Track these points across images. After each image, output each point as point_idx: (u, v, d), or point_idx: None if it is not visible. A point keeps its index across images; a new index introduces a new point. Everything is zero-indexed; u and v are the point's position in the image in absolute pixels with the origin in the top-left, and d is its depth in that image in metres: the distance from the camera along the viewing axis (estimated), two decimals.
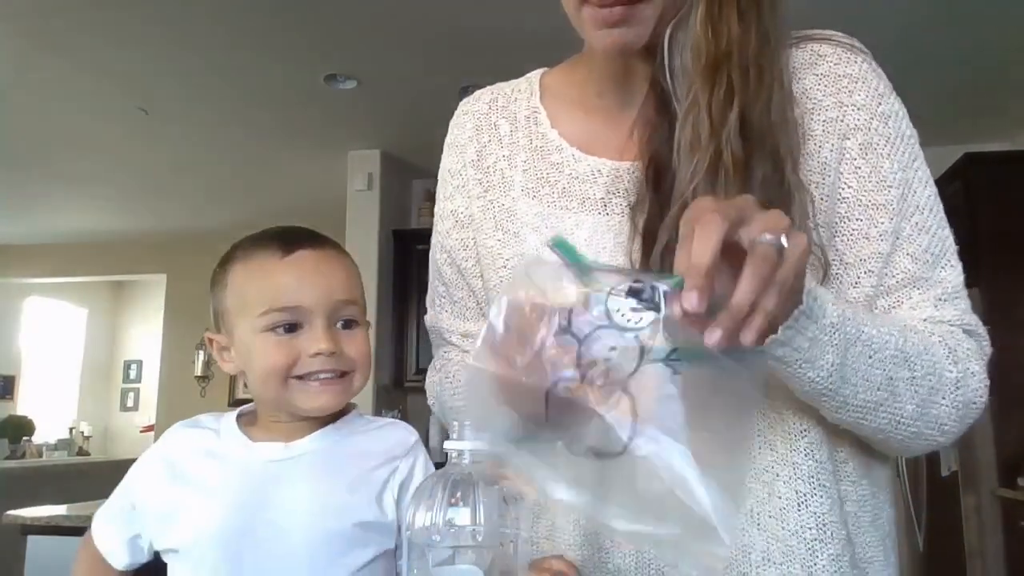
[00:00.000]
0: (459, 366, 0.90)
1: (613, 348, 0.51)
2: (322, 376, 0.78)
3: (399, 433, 0.82)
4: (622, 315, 0.51)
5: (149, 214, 6.09)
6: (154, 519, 0.78)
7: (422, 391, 0.99)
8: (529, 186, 0.84)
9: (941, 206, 0.77)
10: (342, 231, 4.59)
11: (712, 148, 0.68)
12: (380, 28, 3.25)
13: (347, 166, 4.70)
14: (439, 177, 0.95)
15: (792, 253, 0.52)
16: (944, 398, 0.69)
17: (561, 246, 0.55)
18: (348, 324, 0.80)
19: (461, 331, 0.92)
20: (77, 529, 2.57)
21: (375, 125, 4.32)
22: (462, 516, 0.56)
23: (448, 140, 0.94)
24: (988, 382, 0.72)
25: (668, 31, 0.72)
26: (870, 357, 0.65)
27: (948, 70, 3.52)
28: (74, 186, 5.42)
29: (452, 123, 0.94)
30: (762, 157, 0.68)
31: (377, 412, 4.50)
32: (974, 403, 0.71)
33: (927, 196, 0.76)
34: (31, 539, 2.73)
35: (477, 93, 0.95)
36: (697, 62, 0.70)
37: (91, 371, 8.36)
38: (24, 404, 7.65)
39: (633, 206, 0.76)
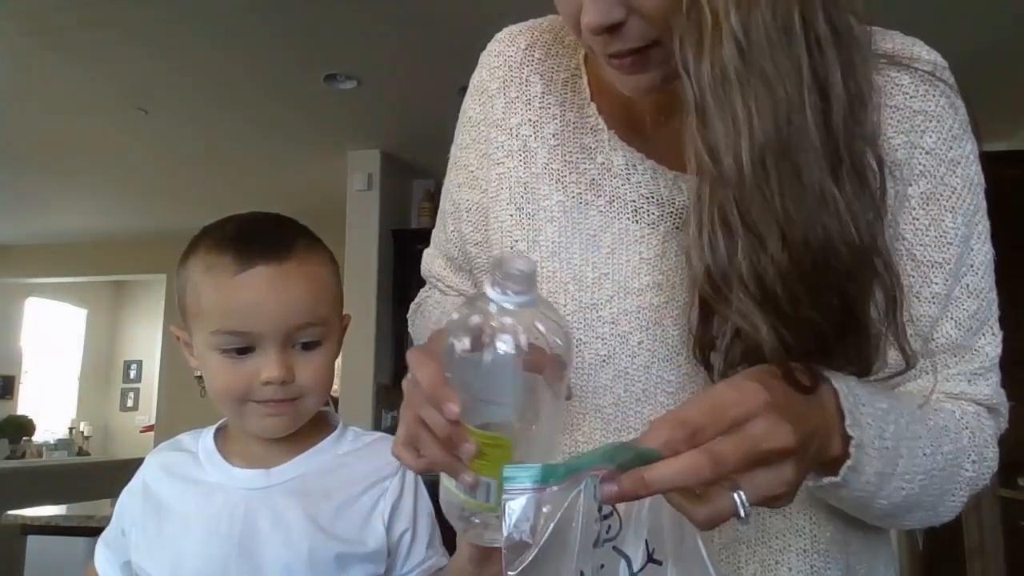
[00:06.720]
0: (435, 303, 0.87)
1: None
2: (271, 402, 0.73)
3: (387, 450, 0.79)
4: None
5: (149, 214, 6.08)
6: (136, 547, 0.76)
7: None
8: (553, 167, 0.74)
9: (993, 264, 0.72)
10: (342, 231, 4.58)
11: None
12: (380, 28, 3.25)
13: (347, 166, 4.69)
14: (460, 113, 0.84)
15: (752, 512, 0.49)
16: (953, 496, 0.67)
17: (512, 479, 0.47)
18: (308, 345, 0.74)
19: (448, 283, 0.87)
20: (77, 529, 2.57)
21: (375, 125, 4.31)
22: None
23: (475, 80, 0.83)
24: (997, 460, 0.69)
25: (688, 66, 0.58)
26: (902, 489, 0.62)
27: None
28: (74, 186, 5.42)
29: (483, 61, 0.83)
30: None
31: (377, 412, 4.50)
32: (977, 486, 0.68)
33: (983, 253, 0.71)
34: (31, 539, 2.73)
35: (516, 30, 0.82)
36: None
37: (91, 371, 8.36)
38: (24, 404, 7.65)
39: (682, 226, 0.67)
